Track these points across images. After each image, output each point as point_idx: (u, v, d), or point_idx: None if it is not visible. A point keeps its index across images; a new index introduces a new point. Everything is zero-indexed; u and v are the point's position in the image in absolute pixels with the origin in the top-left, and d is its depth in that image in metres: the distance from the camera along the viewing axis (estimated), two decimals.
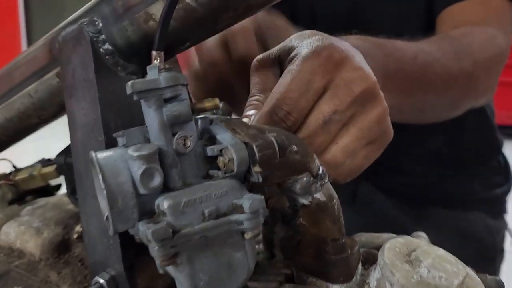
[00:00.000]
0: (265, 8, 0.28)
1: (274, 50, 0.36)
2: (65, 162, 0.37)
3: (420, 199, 0.72)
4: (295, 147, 0.27)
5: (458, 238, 0.67)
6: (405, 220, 0.69)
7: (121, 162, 0.23)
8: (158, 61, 0.24)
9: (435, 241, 0.67)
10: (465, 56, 0.52)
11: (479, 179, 0.72)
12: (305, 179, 0.28)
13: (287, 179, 0.28)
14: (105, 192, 0.22)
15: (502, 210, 0.74)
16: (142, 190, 0.22)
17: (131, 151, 0.22)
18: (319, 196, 0.29)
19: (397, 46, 0.46)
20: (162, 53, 0.24)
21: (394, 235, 0.35)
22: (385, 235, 0.35)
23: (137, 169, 0.22)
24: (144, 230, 0.22)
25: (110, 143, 0.28)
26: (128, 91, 0.23)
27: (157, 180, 0.22)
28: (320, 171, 0.29)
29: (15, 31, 4.66)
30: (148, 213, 0.23)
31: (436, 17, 0.63)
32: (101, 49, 0.30)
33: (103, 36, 0.30)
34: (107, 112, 0.30)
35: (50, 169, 0.41)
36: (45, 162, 0.43)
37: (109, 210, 0.22)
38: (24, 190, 0.43)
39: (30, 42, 4.78)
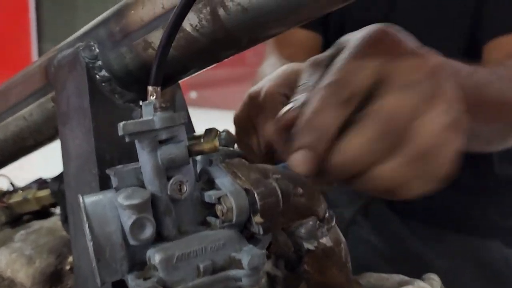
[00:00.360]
0: (269, 39, 0.26)
1: (328, 50, 0.32)
2: (59, 189, 0.35)
3: (436, 223, 0.70)
4: (300, 190, 0.25)
5: (473, 266, 0.64)
6: (418, 244, 0.67)
7: (110, 209, 0.21)
8: (154, 97, 0.22)
9: (449, 267, 0.65)
10: None
11: (498, 207, 0.70)
12: (310, 223, 0.26)
13: (292, 223, 0.26)
14: (91, 243, 0.20)
15: None
16: (132, 241, 0.20)
17: (121, 199, 0.20)
18: (325, 241, 0.27)
19: (475, 75, 0.42)
20: (159, 88, 0.23)
21: (405, 277, 0.33)
22: (395, 277, 0.33)
23: (127, 219, 0.20)
24: (133, 286, 0.20)
25: (105, 177, 0.26)
26: (120, 132, 0.21)
27: (148, 231, 0.20)
28: (327, 214, 0.27)
29: (25, 29, 4.69)
30: (139, 264, 0.21)
31: (480, 45, 0.60)
32: (97, 76, 0.29)
33: (99, 62, 0.28)
34: (102, 143, 0.28)
35: (45, 193, 0.39)
36: (41, 184, 0.41)
37: (95, 262, 0.20)
38: (18, 213, 0.41)
39: (40, 40, 4.82)
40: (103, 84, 0.29)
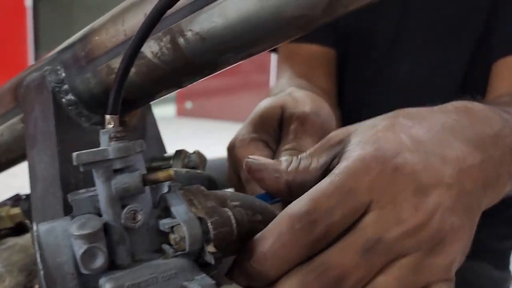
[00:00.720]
0: (230, 67, 0.26)
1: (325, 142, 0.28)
2: (28, 209, 0.35)
3: None
4: (259, 216, 0.25)
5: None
6: None
7: (63, 238, 0.21)
8: (112, 125, 0.23)
9: None
10: None
11: (488, 230, 0.70)
12: None
13: None
14: (42, 272, 0.20)
15: (508, 262, 0.72)
16: (83, 271, 0.20)
17: (73, 229, 0.20)
18: None
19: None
20: (117, 117, 0.23)
21: None
22: None
23: (78, 248, 0.20)
24: None
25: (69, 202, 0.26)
26: (74, 162, 0.21)
27: (100, 261, 0.20)
28: None
29: (23, 36, 4.70)
30: None
31: (489, 61, 0.59)
32: (63, 99, 0.29)
33: (66, 86, 0.29)
34: (67, 166, 0.28)
35: (18, 210, 0.39)
36: (16, 201, 0.41)
37: None
38: None
39: (37, 47, 4.83)
40: (69, 107, 0.29)
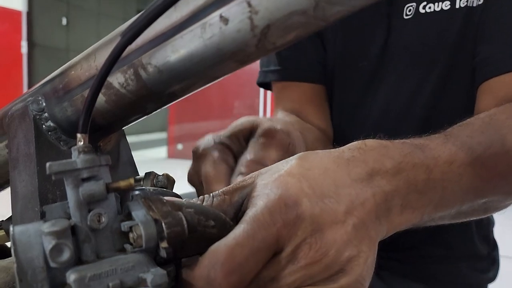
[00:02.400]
0: (187, 95, 0.31)
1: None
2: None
3: (400, 274, 0.73)
4: (212, 222, 0.29)
5: None
6: None
7: (35, 237, 0.24)
8: (82, 142, 0.27)
9: None
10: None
11: (464, 262, 0.73)
12: None
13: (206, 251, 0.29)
14: (15, 265, 0.23)
15: None
16: (52, 264, 0.24)
17: (43, 227, 0.24)
18: None
19: (429, 154, 0.36)
20: (86, 135, 0.27)
21: None
22: None
23: (48, 244, 0.24)
24: None
25: (45, 214, 0.30)
26: (47, 171, 0.25)
27: (66, 255, 0.24)
28: None
29: (18, 86, 4.80)
30: (60, 285, 0.25)
31: (464, 90, 0.62)
32: (43, 126, 0.33)
33: (46, 114, 0.33)
34: (45, 184, 0.32)
35: (1, 233, 0.42)
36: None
37: (18, 282, 0.23)
38: None
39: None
40: (49, 133, 0.33)
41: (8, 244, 0.48)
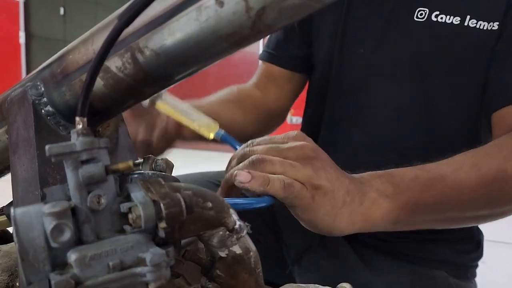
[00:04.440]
0: (184, 78, 0.31)
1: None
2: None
3: (386, 253, 0.74)
4: (209, 204, 0.29)
5: None
6: (368, 271, 0.70)
7: (36, 218, 0.25)
8: (81, 125, 0.27)
9: None
10: (487, 164, 0.51)
11: (445, 244, 0.74)
12: (220, 233, 0.30)
13: (204, 233, 0.30)
14: (17, 245, 0.24)
15: (467, 274, 0.75)
16: (53, 244, 0.24)
17: (44, 208, 0.24)
18: (235, 249, 0.31)
19: (395, 174, 0.49)
20: (85, 118, 0.27)
21: (320, 286, 0.36)
22: (311, 286, 0.37)
23: (49, 224, 0.24)
24: (51, 280, 0.24)
25: (46, 196, 0.30)
26: (46, 153, 0.25)
27: (67, 235, 0.24)
28: (237, 226, 0.31)
29: (17, 75, 4.78)
30: (62, 264, 0.25)
31: (489, 117, 0.64)
32: (42, 111, 0.33)
33: (44, 99, 0.33)
34: (45, 168, 0.32)
35: (2, 218, 0.43)
36: (0, 211, 0.45)
37: (20, 262, 0.24)
38: None
39: None
40: (48, 117, 0.34)
41: (10, 229, 0.49)
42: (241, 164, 0.46)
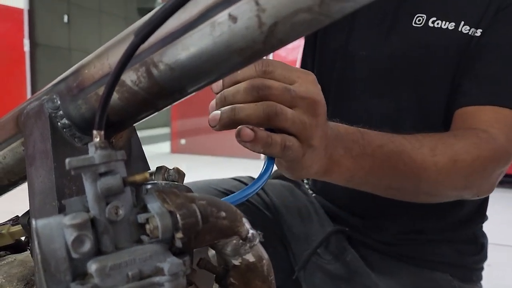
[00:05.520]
0: (197, 91, 0.32)
1: None
2: (28, 222, 0.40)
3: (390, 255, 0.74)
4: (223, 213, 0.30)
5: None
6: (372, 274, 0.71)
7: (57, 229, 0.26)
8: (98, 139, 0.28)
9: None
10: (442, 153, 0.57)
11: (448, 245, 0.75)
12: (234, 241, 0.31)
13: (218, 242, 0.31)
14: (39, 256, 0.25)
15: (472, 277, 0.76)
16: (74, 255, 0.25)
17: (65, 220, 0.25)
18: (248, 257, 0.31)
19: (366, 136, 0.53)
20: (102, 131, 0.28)
21: None
22: None
23: (70, 236, 0.25)
24: None
25: (63, 208, 0.31)
26: (66, 167, 0.26)
27: (87, 246, 0.25)
28: (250, 234, 0.32)
29: (21, 83, 4.82)
30: (82, 274, 0.26)
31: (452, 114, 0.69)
32: (59, 123, 0.34)
33: (61, 112, 0.34)
34: (62, 180, 0.33)
35: (18, 228, 0.44)
36: (15, 220, 0.46)
37: (42, 273, 0.25)
38: None
39: (34, 91, 4.96)
40: (64, 130, 0.34)
41: (23, 238, 0.50)
42: (251, 109, 0.42)
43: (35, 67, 5.03)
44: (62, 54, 5.42)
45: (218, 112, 0.42)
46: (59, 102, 0.34)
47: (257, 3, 0.25)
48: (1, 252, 0.49)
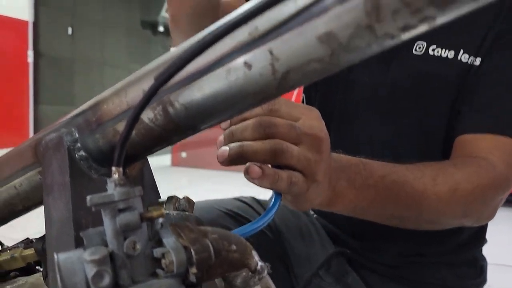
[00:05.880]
0: (210, 128, 0.33)
1: None
2: (42, 248, 0.41)
3: (391, 278, 0.75)
4: (234, 247, 0.31)
5: None
6: None
7: (78, 263, 0.27)
8: (117, 175, 0.29)
9: None
10: (443, 183, 0.59)
11: (449, 269, 0.76)
12: (244, 274, 0.32)
13: (228, 274, 0.32)
14: None
15: None
16: None
17: (85, 255, 0.26)
18: None
19: (368, 167, 0.54)
20: (121, 168, 0.29)
21: None
22: None
23: (90, 270, 0.26)
24: None
25: (79, 238, 0.33)
26: (88, 204, 0.27)
27: (106, 281, 0.26)
28: (259, 267, 0.33)
29: (24, 94, 4.85)
30: None
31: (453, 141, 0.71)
32: (76, 155, 0.36)
33: (79, 145, 0.36)
34: (79, 211, 0.35)
35: (30, 251, 0.45)
36: (27, 243, 0.47)
37: None
38: (6, 270, 0.47)
39: (36, 106, 4.98)
40: (81, 162, 0.36)
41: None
42: (259, 146, 0.43)
43: (38, 77, 5.06)
44: (65, 65, 5.46)
45: (227, 148, 0.43)
46: (77, 135, 0.36)
47: (271, 53, 0.27)
48: (12, 274, 0.50)
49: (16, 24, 4.79)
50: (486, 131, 0.66)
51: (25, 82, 4.90)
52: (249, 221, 0.86)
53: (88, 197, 0.27)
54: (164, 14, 7.65)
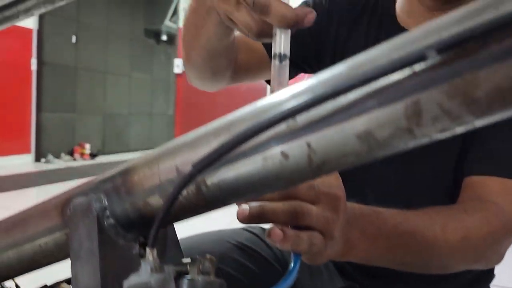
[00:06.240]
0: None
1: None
2: None
3: None
4: None
5: None
6: None
7: None
8: (151, 257, 0.30)
9: None
10: (453, 230, 0.59)
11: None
12: None
13: None
14: None
15: None
16: None
17: None
18: None
19: (381, 216, 0.55)
20: (155, 250, 0.30)
21: None
22: None
23: None
24: None
25: None
26: (124, 287, 0.28)
27: None
28: None
29: (27, 102, 4.86)
30: None
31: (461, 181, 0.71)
32: (105, 223, 0.36)
33: (107, 212, 0.36)
34: (107, 277, 0.35)
35: None
36: None
37: None
38: None
39: (39, 113, 4.97)
40: (109, 229, 0.36)
41: None
42: (279, 208, 0.44)
43: (42, 85, 5.08)
44: (68, 73, 5.48)
45: (247, 207, 0.44)
46: (106, 202, 0.36)
47: (309, 146, 0.27)
48: None
49: (20, 32, 4.82)
50: (494, 173, 0.67)
51: (28, 90, 4.92)
52: (259, 253, 0.86)
53: (126, 283, 0.28)
54: (168, 23, 7.67)
